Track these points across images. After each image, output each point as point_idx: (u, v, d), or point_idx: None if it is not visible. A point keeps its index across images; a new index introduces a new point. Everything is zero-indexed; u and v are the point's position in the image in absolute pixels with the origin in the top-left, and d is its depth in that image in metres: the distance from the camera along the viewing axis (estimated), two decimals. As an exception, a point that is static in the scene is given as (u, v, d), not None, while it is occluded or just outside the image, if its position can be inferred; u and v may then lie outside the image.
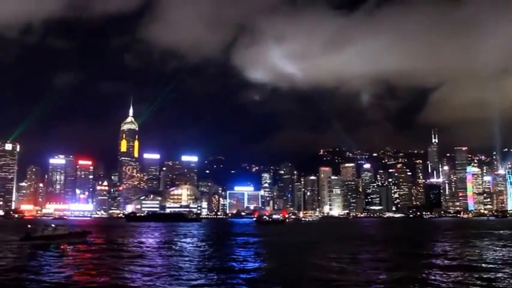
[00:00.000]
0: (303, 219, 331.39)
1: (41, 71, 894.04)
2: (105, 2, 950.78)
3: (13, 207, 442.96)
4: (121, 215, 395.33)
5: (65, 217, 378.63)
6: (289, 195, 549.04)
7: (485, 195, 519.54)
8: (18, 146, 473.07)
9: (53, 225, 74.07)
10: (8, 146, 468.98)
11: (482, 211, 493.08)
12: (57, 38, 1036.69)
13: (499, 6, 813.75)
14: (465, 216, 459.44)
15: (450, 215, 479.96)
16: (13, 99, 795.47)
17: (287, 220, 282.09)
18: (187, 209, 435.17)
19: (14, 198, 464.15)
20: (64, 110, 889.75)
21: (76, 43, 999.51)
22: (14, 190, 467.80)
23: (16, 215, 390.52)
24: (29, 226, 75.71)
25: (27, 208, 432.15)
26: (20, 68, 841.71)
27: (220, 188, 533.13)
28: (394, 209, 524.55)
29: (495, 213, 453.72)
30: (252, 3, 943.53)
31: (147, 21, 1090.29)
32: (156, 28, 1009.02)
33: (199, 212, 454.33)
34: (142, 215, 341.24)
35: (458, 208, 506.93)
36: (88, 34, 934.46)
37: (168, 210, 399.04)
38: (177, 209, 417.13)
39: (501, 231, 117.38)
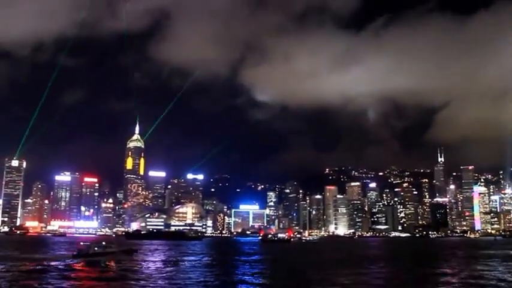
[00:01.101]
0: (303, 238, 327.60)
1: (51, 88, 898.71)
2: (115, 21, 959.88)
3: (18, 224, 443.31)
4: (130, 231, 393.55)
5: (68, 234, 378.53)
6: (294, 214, 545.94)
7: (492, 214, 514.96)
8: (24, 163, 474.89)
9: (103, 243, 77.77)
10: (15, 163, 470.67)
11: (489, 231, 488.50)
12: (67, 56, 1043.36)
13: (505, 26, 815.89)
14: (472, 236, 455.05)
15: (457, 234, 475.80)
16: (21, 115, 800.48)
17: (292, 239, 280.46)
18: (193, 227, 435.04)
19: (19, 215, 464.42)
20: (71, 127, 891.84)
21: (86, 61, 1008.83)
22: (20, 206, 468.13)
23: (18, 232, 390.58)
24: (81, 244, 78.03)
25: (32, 225, 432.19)
26: (31, 85, 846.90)
27: (225, 207, 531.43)
28: (400, 228, 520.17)
29: (502, 233, 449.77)
30: (260, 22, 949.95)
31: (156, 40, 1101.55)
32: (166, 47, 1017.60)
33: (203, 230, 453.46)
34: (142, 232, 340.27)
35: (465, 228, 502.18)
36: (98, 52, 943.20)
37: (172, 228, 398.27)
38: (182, 227, 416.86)
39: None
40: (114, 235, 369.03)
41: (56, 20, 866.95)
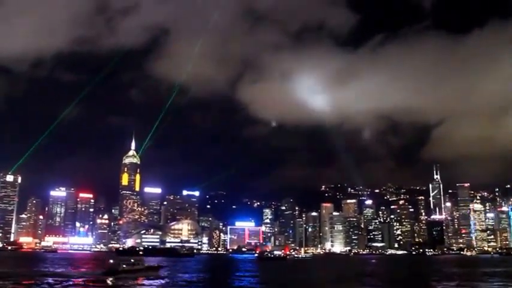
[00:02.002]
0: (295, 256, 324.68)
1: (48, 104, 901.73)
2: (113, 37, 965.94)
3: (12, 239, 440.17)
4: (120, 248, 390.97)
5: (60, 250, 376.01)
6: (290, 231, 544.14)
7: (488, 232, 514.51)
8: (19, 178, 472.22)
9: (132, 260, 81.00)
10: (10, 178, 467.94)
11: (486, 248, 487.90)
12: (65, 72, 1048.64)
13: (500, 45, 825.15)
14: (468, 253, 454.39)
15: (453, 252, 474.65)
16: (18, 131, 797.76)
17: (288, 257, 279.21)
18: (186, 244, 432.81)
19: (13, 230, 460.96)
20: (67, 143, 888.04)
21: (84, 77, 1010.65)
22: (14, 222, 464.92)
23: (10, 247, 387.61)
24: (111, 261, 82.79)
25: (26, 240, 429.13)
26: (28, 101, 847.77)
27: (221, 223, 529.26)
28: (396, 245, 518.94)
29: (499, 251, 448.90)
30: (258, 40, 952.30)
31: (154, 57, 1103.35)
32: (163, 63, 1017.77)
33: (199, 247, 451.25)
34: (135, 249, 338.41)
35: (461, 245, 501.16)
36: (96, 68, 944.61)
37: (168, 245, 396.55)
38: (177, 244, 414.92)
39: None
40: (109, 251, 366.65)
41: (55, 36, 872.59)
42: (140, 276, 69.46)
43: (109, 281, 64.14)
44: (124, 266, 73.84)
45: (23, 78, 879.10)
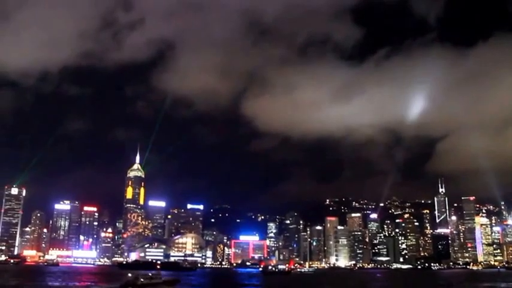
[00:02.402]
0: (298, 270, 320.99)
1: (54, 117, 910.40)
2: (119, 51, 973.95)
3: (16, 253, 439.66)
4: (124, 262, 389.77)
5: (61, 263, 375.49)
6: (295, 245, 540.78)
7: (494, 246, 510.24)
8: (24, 191, 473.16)
9: (149, 274, 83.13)
10: (14, 191, 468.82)
11: (492, 262, 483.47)
12: (71, 86, 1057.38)
13: (505, 57, 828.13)
14: (475, 267, 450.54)
15: (459, 266, 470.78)
16: (23, 144, 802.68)
17: (292, 271, 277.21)
18: (188, 258, 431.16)
19: (17, 244, 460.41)
20: (72, 156, 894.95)
21: (90, 90, 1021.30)
22: (18, 235, 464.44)
23: (12, 261, 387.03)
24: (129, 275, 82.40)
25: (30, 254, 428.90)
26: (34, 114, 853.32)
27: (225, 237, 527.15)
28: (401, 260, 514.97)
29: (506, 265, 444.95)
30: (263, 53, 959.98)
31: (160, 70, 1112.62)
32: (169, 77, 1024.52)
33: (203, 261, 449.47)
34: (138, 262, 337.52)
35: (467, 259, 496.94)
36: (102, 82, 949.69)
37: (172, 259, 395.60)
38: (181, 258, 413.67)
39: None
40: (113, 265, 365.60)
41: (62, 51, 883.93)
42: None
43: None
44: (142, 280, 75.45)
45: (30, 92, 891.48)
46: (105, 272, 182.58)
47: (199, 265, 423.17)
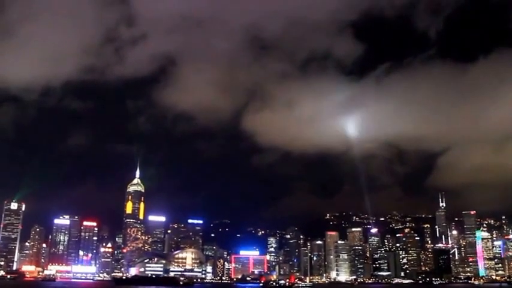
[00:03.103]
0: (298, 284, 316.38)
1: (56, 132, 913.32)
2: (121, 66, 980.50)
3: (15, 268, 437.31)
4: (124, 277, 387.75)
5: (59, 279, 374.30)
6: (295, 260, 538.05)
7: (496, 260, 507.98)
8: (23, 206, 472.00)
9: None
10: (14, 205, 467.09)
11: (493, 277, 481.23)
12: (73, 101, 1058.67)
13: (506, 73, 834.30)
14: (476, 282, 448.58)
15: (461, 281, 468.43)
16: (23, 158, 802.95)
17: (294, 286, 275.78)
18: (189, 273, 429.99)
19: (16, 259, 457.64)
20: (72, 171, 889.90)
21: (91, 105, 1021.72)
22: (17, 250, 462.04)
23: (9, 276, 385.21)
24: None
25: (29, 269, 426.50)
26: (36, 129, 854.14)
27: (225, 252, 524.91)
28: (402, 274, 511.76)
29: (507, 279, 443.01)
30: (264, 69, 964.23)
31: (161, 86, 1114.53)
32: (170, 92, 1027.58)
33: (203, 276, 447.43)
34: (129, 277, 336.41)
35: (468, 274, 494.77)
36: (104, 97, 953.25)
37: (172, 274, 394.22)
38: (181, 273, 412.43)
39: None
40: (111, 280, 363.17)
41: (64, 65, 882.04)
42: None
43: None
44: None
45: (32, 107, 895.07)
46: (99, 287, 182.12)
47: (199, 280, 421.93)
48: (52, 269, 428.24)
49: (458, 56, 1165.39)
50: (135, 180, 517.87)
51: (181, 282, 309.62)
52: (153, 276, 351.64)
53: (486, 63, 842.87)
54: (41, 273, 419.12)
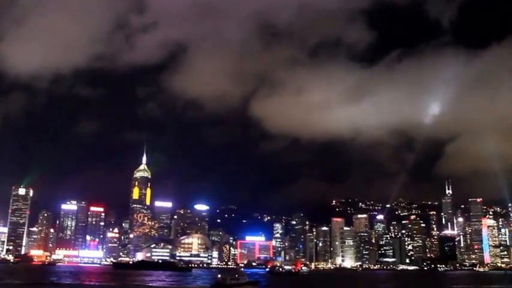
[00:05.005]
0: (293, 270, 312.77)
1: (66, 119, 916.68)
2: (132, 53, 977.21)
3: (23, 252, 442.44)
4: (131, 262, 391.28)
5: (64, 263, 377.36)
6: (300, 246, 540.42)
7: (501, 248, 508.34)
8: (31, 191, 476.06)
9: (236, 276, 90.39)
10: (22, 191, 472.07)
11: (499, 264, 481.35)
12: (83, 88, 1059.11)
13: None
14: (481, 269, 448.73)
15: (466, 268, 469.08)
16: (32, 145, 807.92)
17: (300, 271, 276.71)
18: (198, 258, 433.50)
19: (24, 243, 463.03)
20: (80, 157, 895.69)
21: (101, 92, 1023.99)
22: (25, 235, 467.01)
23: (12, 260, 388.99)
24: (219, 276, 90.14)
25: (37, 253, 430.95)
26: (46, 116, 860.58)
27: (231, 238, 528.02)
28: (407, 261, 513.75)
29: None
30: (274, 55, 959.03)
31: (171, 73, 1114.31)
32: (180, 79, 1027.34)
33: (209, 261, 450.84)
34: (130, 262, 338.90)
35: (474, 261, 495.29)
36: (114, 84, 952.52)
37: (178, 259, 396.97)
38: (187, 258, 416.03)
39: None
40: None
41: (74, 53, 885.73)
42: None
43: None
44: (230, 279, 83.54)
45: (42, 95, 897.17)
46: (98, 272, 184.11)
47: (205, 265, 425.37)
48: (59, 254, 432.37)
49: (471, 43, 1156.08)
50: (142, 166, 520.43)
51: (179, 266, 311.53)
52: (151, 261, 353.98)
53: (499, 50, 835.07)
54: (48, 258, 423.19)
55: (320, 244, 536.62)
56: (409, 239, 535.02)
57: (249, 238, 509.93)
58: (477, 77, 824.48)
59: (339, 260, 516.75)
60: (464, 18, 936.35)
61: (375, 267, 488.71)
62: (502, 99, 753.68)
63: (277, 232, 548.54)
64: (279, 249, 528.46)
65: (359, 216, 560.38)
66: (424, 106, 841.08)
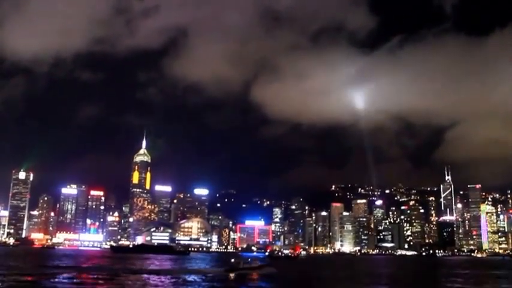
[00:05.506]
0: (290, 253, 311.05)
1: (66, 103, 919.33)
2: (132, 38, 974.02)
3: (23, 236, 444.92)
4: (131, 245, 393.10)
5: (65, 247, 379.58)
6: (300, 231, 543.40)
7: (499, 234, 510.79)
8: (31, 175, 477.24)
9: (249, 260, 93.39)
10: (22, 175, 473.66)
11: (497, 250, 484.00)
12: (84, 72, 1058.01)
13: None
14: (479, 255, 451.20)
15: (464, 253, 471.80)
16: (32, 129, 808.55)
17: (299, 256, 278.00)
18: (197, 242, 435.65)
19: (25, 227, 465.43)
20: (80, 141, 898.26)
21: (102, 77, 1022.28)
22: (26, 218, 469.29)
23: (12, 243, 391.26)
24: (232, 260, 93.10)
25: (38, 237, 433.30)
26: (46, 100, 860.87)
27: (230, 222, 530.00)
28: (406, 246, 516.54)
29: (510, 253, 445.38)
30: (275, 41, 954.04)
31: (172, 57, 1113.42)
32: (181, 64, 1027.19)
33: (209, 245, 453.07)
34: (130, 246, 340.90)
35: (472, 247, 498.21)
36: (114, 68, 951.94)
37: (176, 243, 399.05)
38: (187, 242, 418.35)
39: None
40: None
41: (75, 37, 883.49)
42: (256, 272, 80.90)
43: (232, 276, 76.92)
44: (244, 264, 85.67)
45: (43, 78, 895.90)
46: (96, 255, 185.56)
47: (204, 249, 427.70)
48: (60, 237, 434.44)
49: (473, 29, 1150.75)
50: (142, 151, 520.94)
51: (177, 249, 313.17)
52: (149, 245, 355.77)
53: (501, 36, 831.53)
54: (49, 241, 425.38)
55: (319, 229, 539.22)
56: (407, 225, 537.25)
57: (248, 222, 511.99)
58: (478, 64, 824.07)
59: (337, 245, 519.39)
60: (466, 4, 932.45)
61: (373, 252, 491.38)
62: (503, 86, 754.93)
63: (277, 217, 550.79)
64: (278, 233, 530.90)
65: (358, 201, 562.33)
66: (424, 92, 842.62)
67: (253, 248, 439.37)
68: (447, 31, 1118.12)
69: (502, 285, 71.66)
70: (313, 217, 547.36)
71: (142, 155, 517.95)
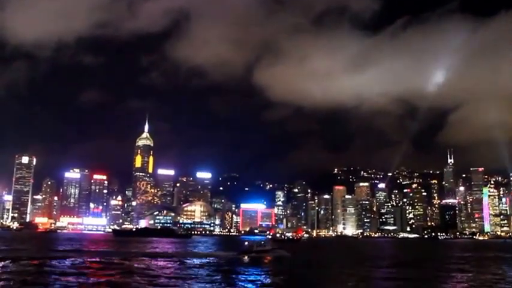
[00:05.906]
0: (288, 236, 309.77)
1: (69, 87, 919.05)
2: (134, 21, 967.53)
3: (28, 220, 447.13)
4: (134, 229, 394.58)
5: (68, 231, 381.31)
6: (302, 214, 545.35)
7: (502, 217, 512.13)
8: (34, 159, 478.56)
9: (262, 242, 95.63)
10: (25, 159, 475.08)
11: (498, 233, 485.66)
12: (86, 56, 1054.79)
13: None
14: (481, 238, 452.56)
15: (466, 236, 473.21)
16: (35, 113, 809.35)
17: (302, 239, 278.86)
18: (200, 225, 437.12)
19: (28, 211, 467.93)
20: (82, 125, 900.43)
21: (104, 60, 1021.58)
22: (29, 203, 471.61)
23: (15, 227, 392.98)
24: (246, 243, 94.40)
25: (42, 221, 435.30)
26: (49, 85, 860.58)
27: (233, 205, 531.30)
28: (408, 229, 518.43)
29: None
30: (278, 23, 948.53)
31: (174, 41, 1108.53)
32: (183, 47, 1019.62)
33: (212, 228, 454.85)
34: (133, 229, 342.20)
35: (474, 230, 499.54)
36: (117, 52, 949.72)
37: (179, 226, 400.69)
38: (190, 225, 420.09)
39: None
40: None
41: (77, 21, 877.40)
42: (268, 255, 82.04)
43: (245, 259, 78.22)
44: (257, 246, 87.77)
45: (45, 63, 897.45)
46: (97, 239, 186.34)
47: (207, 232, 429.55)
48: (64, 221, 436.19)
49: (479, 10, 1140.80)
50: (144, 135, 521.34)
51: (179, 232, 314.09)
52: (151, 228, 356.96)
53: (506, 19, 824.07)
54: (53, 225, 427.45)
55: (322, 212, 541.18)
56: (410, 208, 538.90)
57: (251, 206, 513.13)
58: (483, 46, 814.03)
59: (340, 228, 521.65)
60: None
61: (375, 235, 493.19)
62: (507, 69, 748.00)
63: (279, 200, 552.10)
64: (281, 216, 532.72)
65: (361, 184, 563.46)
66: (428, 75, 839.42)
67: (256, 231, 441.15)
68: (452, 12, 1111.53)
69: (504, 267, 71.84)
70: (316, 200, 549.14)
71: (145, 139, 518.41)
